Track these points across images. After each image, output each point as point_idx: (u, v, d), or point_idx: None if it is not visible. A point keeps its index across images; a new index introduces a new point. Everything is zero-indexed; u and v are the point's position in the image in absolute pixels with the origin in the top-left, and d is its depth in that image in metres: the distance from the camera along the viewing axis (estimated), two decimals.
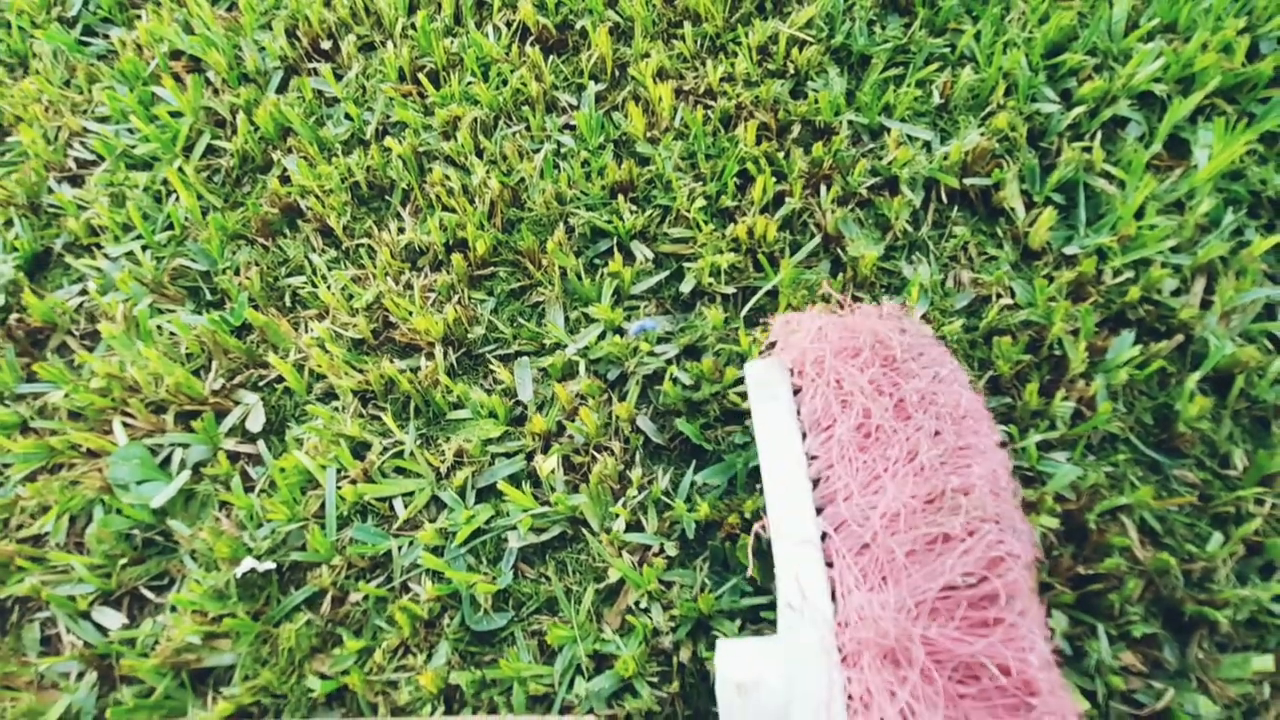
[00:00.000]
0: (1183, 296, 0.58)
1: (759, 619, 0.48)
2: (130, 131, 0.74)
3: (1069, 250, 0.60)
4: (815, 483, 0.38)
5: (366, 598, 0.51)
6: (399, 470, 0.56)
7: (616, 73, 0.72)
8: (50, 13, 0.83)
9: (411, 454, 0.56)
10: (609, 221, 0.63)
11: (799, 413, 0.41)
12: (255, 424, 0.59)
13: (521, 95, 0.71)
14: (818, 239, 0.62)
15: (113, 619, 0.53)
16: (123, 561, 0.54)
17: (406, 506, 0.54)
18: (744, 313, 0.60)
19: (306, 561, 0.53)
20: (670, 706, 0.47)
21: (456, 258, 0.62)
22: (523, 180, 0.66)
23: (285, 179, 0.69)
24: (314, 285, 0.64)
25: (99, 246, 0.69)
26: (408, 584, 0.52)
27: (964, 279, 0.60)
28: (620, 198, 0.64)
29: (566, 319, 0.61)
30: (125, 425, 0.59)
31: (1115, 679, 0.45)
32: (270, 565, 0.52)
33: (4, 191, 0.71)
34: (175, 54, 0.79)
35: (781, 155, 0.65)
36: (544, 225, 0.65)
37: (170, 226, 0.68)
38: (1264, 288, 0.57)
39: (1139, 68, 0.65)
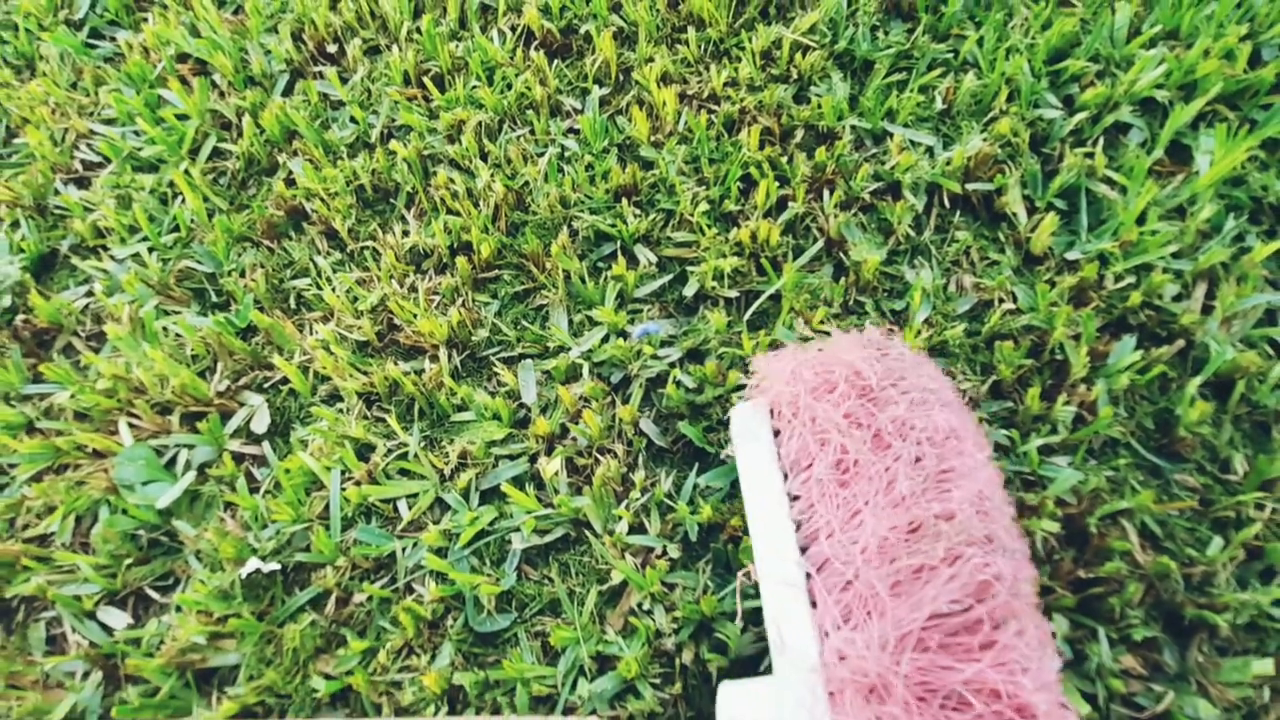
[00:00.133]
0: (1184, 302, 0.58)
1: (760, 620, 0.49)
2: (136, 134, 0.74)
3: (1071, 255, 0.60)
4: (800, 524, 0.39)
5: (371, 598, 0.52)
6: (403, 472, 0.56)
7: (621, 77, 0.73)
8: (57, 15, 0.84)
9: (416, 456, 0.56)
10: (613, 225, 0.63)
11: (781, 455, 0.41)
12: (260, 425, 0.59)
13: (526, 99, 0.71)
14: (820, 243, 0.62)
15: (118, 619, 0.53)
16: (128, 562, 0.55)
17: (411, 508, 0.55)
18: (747, 316, 0.60)
19: (311, 562, 0.53)
20: (672, 708, 0.47)
21: (461, 261, 0.62)
22: (527, 184, 0.67)
23: (291, 182, 0.70)
24: (319, 288, 0.64)
25: (105, 248, 0.69)
26: (412, 585, 0.52)
27: (966, 284, 0.60)
28: (624, 201, 0.64)
29: (570, 322, 0.61)
30: (131, 426, 0.59)
31: (1115, 682, 0.46)
32: (275, 566, 0.53)
33: (11, 193, 0.71)
34: (182, 57, 0.79)
35: (784, 160, 0.65)
36: (548, 229, 0.65)
37: (176, 228, 0.69)
38: (1265, 293, 0.57)
39: (1141, 74, 0.65)
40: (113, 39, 0.83)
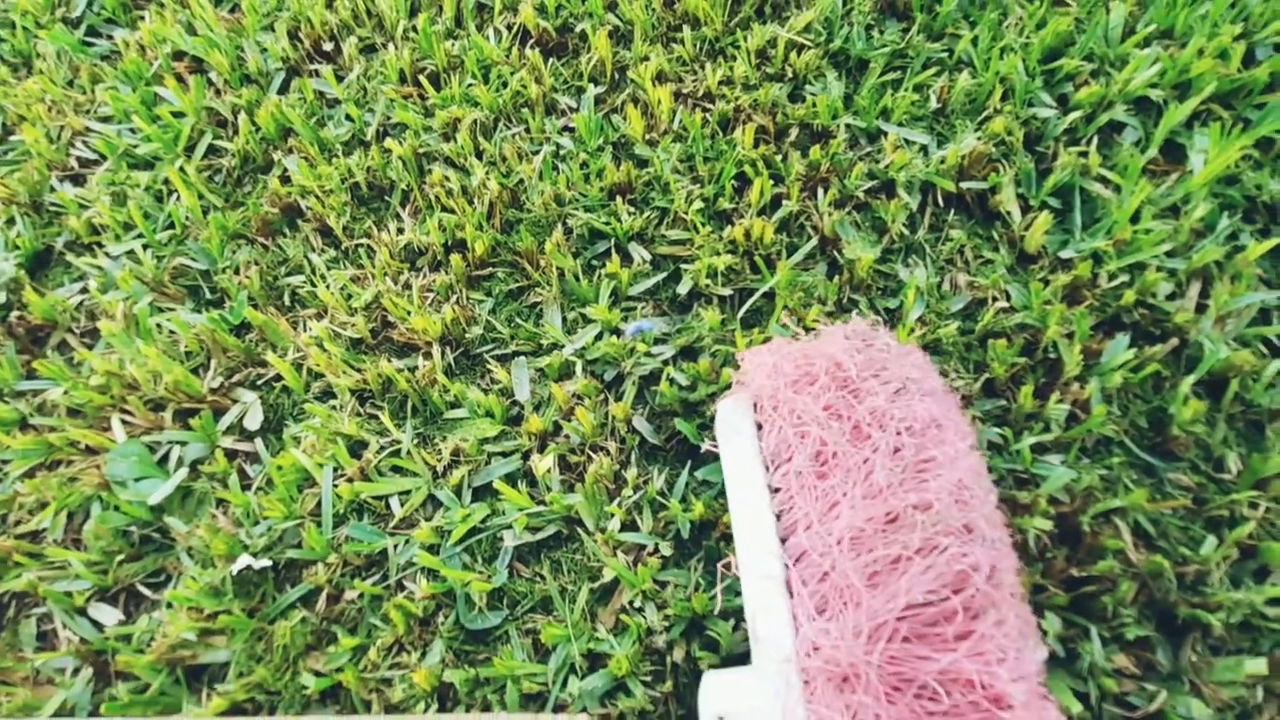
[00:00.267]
0: (1178, 300, 0.58)
1: None
2: (132, 131, 0.74)
3: (1064, 254, 0.60)
4: (780, 516, 0.39)
5: (362, 595, 0.52)
6: (396, 469, 0.56)
7: (616, 75, 0.73)
8: (54, 13, 0.84)
9: (408, 453, 0.56)
10: (607, 223, 0.63)
11: (763, 448, 0.41)
12: (253, 422, 0.59)
13: (521, 97, 0.71)
14: (814, 241, 0.62)
15: (109, 615, 0.53)
16: (120, 558, 0.55)
17: (403, 505, 0.54)
18: (741, 314, 0.60)
19: (302, 559, 0.53)
20: (663, 706, 0.47)
21: (455, 258, 0.62)
22: (522, 181, 0.67)
23: (286, 179, 0.70)
24: (313, 285, 0.64)
25: (100, 245, 0.69)
26: (403, 582, 0.52)
27: (960, 282, 0.60)
28: (618, 199, 0.64)
29: (564, 319, 0.61)
30: (124, 422, 0.59)
31: (1108, 681, 0.45)
32: (266, 563, 0.52)
33: (6, 190, 0.71)
34: (178, 55, 0.79)
35: (779, 158, 0.65)
36: (542, 226, 0.65)
37: (171, 225, 0.69)
38: (1259, 292, 0.57)
39: (1135, 73, 0.65)
40: (110, 37, 0.83)
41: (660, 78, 0.71)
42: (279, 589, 0.53)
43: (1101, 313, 0.58)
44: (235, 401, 0.60)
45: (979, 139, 0.64)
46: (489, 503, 0.54)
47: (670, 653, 0.48)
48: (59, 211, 0.71)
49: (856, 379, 0.39)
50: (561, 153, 0.69)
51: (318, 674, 0.49)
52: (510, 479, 0.55)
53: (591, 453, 0.55)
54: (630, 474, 0.53)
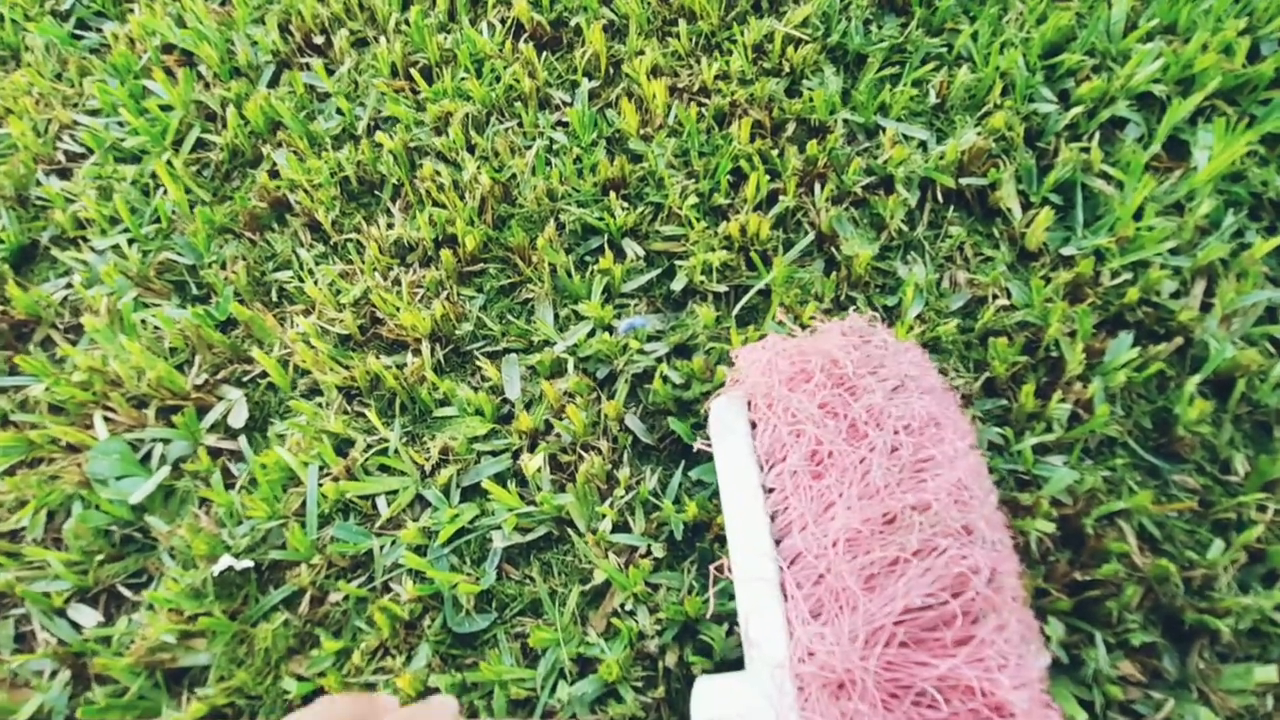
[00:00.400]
0: (1182, 299, 0.57)
1: None
2: (120, 124, 0.73)
3: (1066, 251, 0.59)
4: (775, 516, 0.37)
5: (346, 598, 0.50)
6: (383, 468, 0.55)
7: (610, 70, 0.72)
8: (43, 6, 0.83)
9: (396, 451, 0.55)
10: (600, 218, 0.62)
11: (757, 447, 0.40)
12: (238, 420, 0.58)
13: (514, 92, 0.70)
14: (811, 237, 0.61)
15: (88, 616, 0.52)
16: (100, 558, 0.53)
17: (389, 505, 0.53)
18: (736, 311, 0.59)
19: (286, 560, 0.52)
20: (655, 712, 0.46)
21: (446, 254, 0.61)
22: (514, 176, 0.66)
23: (275, 173, 0.69)
24: (301, 280, 0.63)
25: (85, 239, 0.68)
26: (389, 584, 0.51)
27: (959, 279, 0.59)
28: (612, 195, 0.63)
29: (556, 316, 0.60)
30: (106, 419, 0.58)
31: (1113, 689, 0.44)
32: (249, 564, 0.51)
33: None
34: (167, 47, 0.78)
35: (775, 153, 0.64)
36: (535, 222, 0.64)
37: (157, 220, 0.68)
38: (1265, 290, 0.56)
39: (1138, 68, 0.64)
40: (99, 30, 0.82)
41: (655, 72, 0.70)
42: (261, 590, 0.52)
43: (1104, 311, 0.57)
44: (220, 399, 0.59)
45: (978, 134, 0.63)
46: (478, 503, 0.53)
47: (662, 657, 0.47)
48: (45, 205, 0.70)
49: (853, 376, 0.37)
50: (555, 147, 0.67)
51: (300, 678, 0.48)
52: (500, 478, 0.54)
53: (583, 452, 0.54)
54: (622, 474, 0.52)
